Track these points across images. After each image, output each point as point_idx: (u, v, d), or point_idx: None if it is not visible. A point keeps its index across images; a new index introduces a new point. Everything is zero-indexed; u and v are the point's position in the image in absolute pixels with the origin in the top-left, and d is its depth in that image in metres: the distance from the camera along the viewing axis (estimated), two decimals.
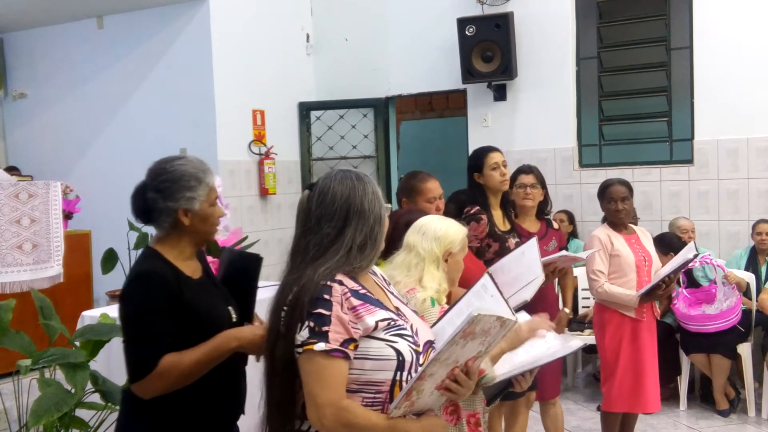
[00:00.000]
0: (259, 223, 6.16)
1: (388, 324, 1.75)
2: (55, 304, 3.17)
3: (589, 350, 5.76)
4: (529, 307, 2.97)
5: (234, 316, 2.22)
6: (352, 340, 1.70)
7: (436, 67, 6.48)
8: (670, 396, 5.11)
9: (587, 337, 5.18)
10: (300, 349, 1.70)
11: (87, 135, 6.26)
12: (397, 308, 1.87)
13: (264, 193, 6.22)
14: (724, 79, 5.61)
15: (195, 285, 2.15)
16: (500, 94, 6.28)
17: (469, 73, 6.14)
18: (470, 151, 4.38)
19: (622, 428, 4.02)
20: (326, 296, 1.70)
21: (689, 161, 5.83)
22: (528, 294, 3.10)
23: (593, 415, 4.86)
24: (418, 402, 1.74)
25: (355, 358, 1.71)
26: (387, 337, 1.74)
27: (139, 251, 2.93)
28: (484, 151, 3.63)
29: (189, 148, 5.78)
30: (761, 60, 5.51)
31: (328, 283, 1.72)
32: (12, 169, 6.05)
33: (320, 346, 1.67)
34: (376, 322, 1.73)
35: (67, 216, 4.03)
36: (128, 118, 6.11)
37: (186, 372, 2.02)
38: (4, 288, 3.43)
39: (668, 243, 5.01)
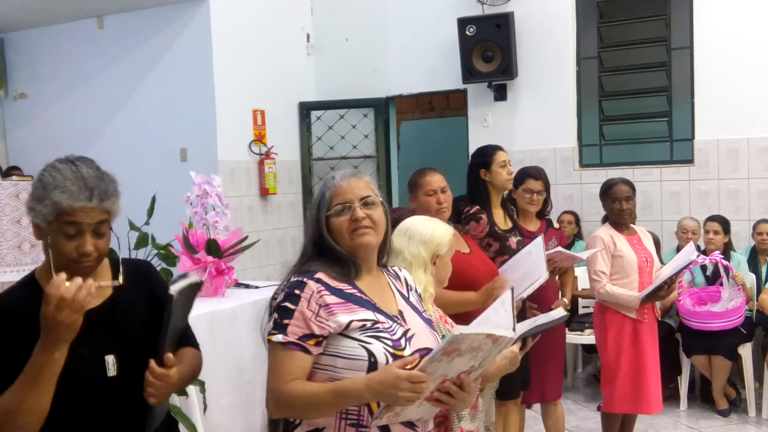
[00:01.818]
0: (259, 223, 6.16)
1: (364, 325, 1.76)
2: None
3: (589, 350, 5.77)
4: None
5: (112, 368, 1.73)
6: (312, 335, 1.74)
7: (436, 67, 6.48)
8: (670, 396, 5.11)
9: (587, 337, 5.19)
10: (267, 338, 1.77)
11: (87, 135, 6.25)
12: (400, 311, 1.87)
13: (264, 193, 6.22)
14: (724, 79, 5.61)
15: None
16: (500, 94, 6.28)
17: (469, 73, 6.13)
18: (470, 151, 4.38)
19: (622, 428, 4.02)
20: (297, 291, 1.76)
21: (689, 161, 5.83)
22: (527, 293, 3.11)
23: (593, 415, 4.86)
24: (404, 412, 1.73)
25: (328, 355, 1.75)
26: (361, 337, 1.75)
27: (139, 252, 2.89)
28: (493, 149, 3.62)
29: (189, 148, 5.80)
30: (761, 60, 5.51)
31: (305, 279, 1.78)
32: (13, 169, 6.04)
33: (278, 337, 1.74)
34: (351, 321, 1.75)
35: None
36: (128, 118, 6.10)
37: (7, 412, 1.59)
38: (3, 288, 3.42)
39: (726, 225, 5.19)
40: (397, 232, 2.32)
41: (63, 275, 1.59)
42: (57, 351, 1.59)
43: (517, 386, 3.49)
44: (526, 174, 3.84)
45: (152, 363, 1.72)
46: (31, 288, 1.73)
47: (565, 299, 3.88)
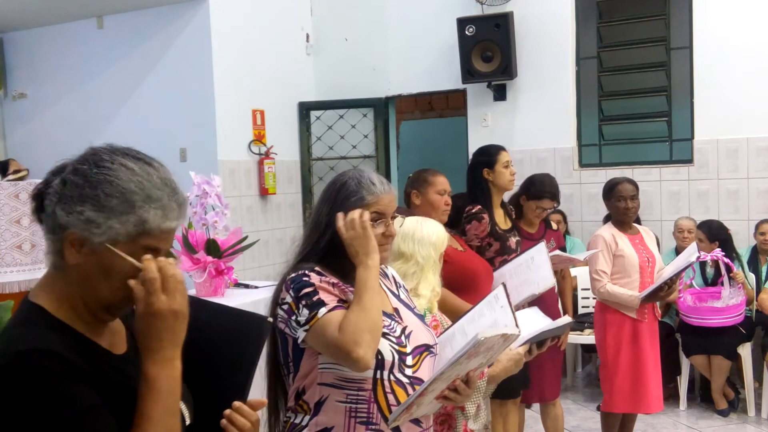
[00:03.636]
0: (258, 223, 6.16)
1: None
2: None
3: (588, 349, 5.77)
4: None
5: (187, 415, 1.34)
6: (343, 300, 1.75)
7: (435, 67, 6.48)
8: (669, 396, 5.10)
9: (587, 337, 5.19)
10: (307, 327, 1.71)
11: (87, 135, 6.25)
12: (395, 309, 1.87)
13: (264, 192, 6.22)
14: (724, 79, 5.61)
15: (119, 364, 1.27)
16: (500, 94, 6.28)
17: (468, 73, 6.13)
18: (470, 151, 4.37)
19: (622, 428, 4.02)
20: (304, 279, 1.76)
21: (689, 161, 5.83)
22: (536, 290, 3.15)
23: (593, 415, 4.86)
24: (416, 411, 1.75)
25: None
26: None
27: None
28: (496, 149, 3.61)
29: (189, 148, 5.79)
30: (761, 60, 5.51)
31: (305, 271, 1.78)
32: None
33: (322, 311, 1.71)
34: None
35: None
36: (128, 118, 6.10)
37: None
38: (3, 288, 3.43)
39: (715, 232, 5.13)
40: (401, 237, 2.30)
41: (150, 256, 1.22)
42: (177, 359, 1.21)
43: (517, 385, 3.49)
44: (544, 192, 3.84)
45: (243, 406, 1.36)
46: (59, 330, 1.21)
47: (567, 316, 3.88)
